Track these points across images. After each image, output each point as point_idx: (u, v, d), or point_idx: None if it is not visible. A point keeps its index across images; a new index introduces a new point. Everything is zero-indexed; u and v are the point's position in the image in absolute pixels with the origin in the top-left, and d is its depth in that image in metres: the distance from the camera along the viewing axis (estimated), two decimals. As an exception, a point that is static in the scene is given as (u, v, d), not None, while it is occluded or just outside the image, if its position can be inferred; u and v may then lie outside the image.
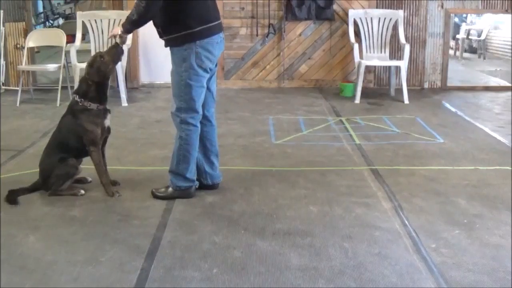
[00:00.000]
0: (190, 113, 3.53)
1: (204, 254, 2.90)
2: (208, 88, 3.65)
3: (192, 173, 3.65)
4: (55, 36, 7.22)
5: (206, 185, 3.80)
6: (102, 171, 3.77)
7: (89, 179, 3.99)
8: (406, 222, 3.31)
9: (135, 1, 3.37)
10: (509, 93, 7.53)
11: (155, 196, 3.69)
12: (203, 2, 3.46)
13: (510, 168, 4.28)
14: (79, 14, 7.40)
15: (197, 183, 3.73)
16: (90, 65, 3.69)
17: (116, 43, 3.68)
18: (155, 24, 3.52)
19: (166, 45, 3.57)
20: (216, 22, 3.52)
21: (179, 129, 3.58)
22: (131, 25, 3.50)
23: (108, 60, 3.67)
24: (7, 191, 3.68)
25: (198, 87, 3.50)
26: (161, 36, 3.55)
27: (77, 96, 3.72)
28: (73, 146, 3.75)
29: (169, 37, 3.48)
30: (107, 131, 3.82)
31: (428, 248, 2.97)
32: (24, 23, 7.76)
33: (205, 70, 3.51)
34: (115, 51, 3.69)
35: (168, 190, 3.68)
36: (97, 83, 3.69)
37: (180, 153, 3.59)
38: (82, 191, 3.76)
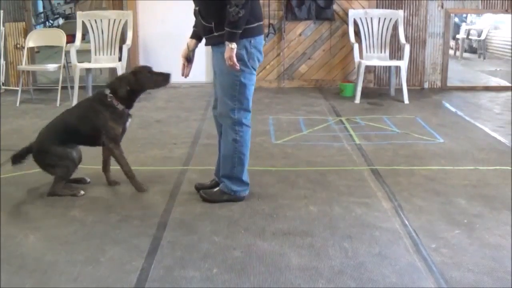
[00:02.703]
0: (244, 113, 3.46)
1: (204, 254, 2.90)
2: None
3: (246, 176, 3.60)
4: (55, 36, 7.23)
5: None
6: (125, 163, 3.79)
7: (88, 180, 3.99)
8: (406, 222, 3.31)
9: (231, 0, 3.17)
10: (509, 93, 7.53)
11: (204, 200, 3.60)
12: (258, 1, 3.42)
13: (510, 168, 4.28)
14: (79, 14, 7.40)
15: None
16: (134, 73, 3.74)
17: (169, 74, 3.72)
18: (205, 20, 3.39)
19: (211, 44, 3.45)
20: (262, 23, 3.47)
21: (232, 131, 3.46)
22: (241, 22, 3.22)
23: (153, 79, 3.73)
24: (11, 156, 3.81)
25: (251, 85, 3.45)
26: (208, 33, 3.40)
27: (109, 91, 3.73)
28: (82, 134, 3.76)
29: (223, 32, 3.29)
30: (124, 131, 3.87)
31: (428, 248, 2.97)
32: (24, 23, 7.76)
33: (255, 69, 3.47)
34: (163, 79, 3.75)
35: (220, 193, 3.60)
36: (130, 91, 3.72)
37: (235, 156, 3.50)
38: (82, 192, 3.76)
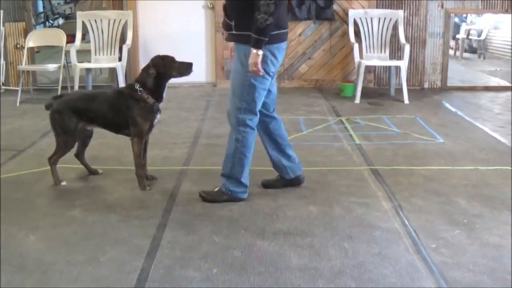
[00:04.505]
0: (249, 115, 3.46)
1: (204, 254, 2.90)
2: (269, 90, 3.59)
3: (246, 178, 3.59)
4: (55, 36, 7.23)
5: (289, 180, 3.80)
6: (139, 163, 3.82)
7: (100, 171, 4.11)
8: (406, 222, 3.31)
9: (261, 3, 3.17)
10: (509, 93, 7.52)
11: (204, 199, 3.61)
12: (283, 8, 3.44)
13: (510, 168, 4.28)
14: (79, 14, 7.40)
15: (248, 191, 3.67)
16: (161, 57, 3.76)
17: (191, 63, 3.77)
18: (228, 16, 3.43)
19: (231, 40, 3.49)
20: (286, 30, 3.51)
21: (235, 131, 3.49)
22: (268, 30, 3.24)
23: (176, 66, 3.76)
24: None
25: (261, 89, 3.45)
26: (228, 29, 3.44)
27: (138, 85, 3.75)
28: (108, 120, 3.82)
29: (241, 33, 3.34)
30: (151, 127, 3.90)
31: (428, 248, 2.97)
32: (24, 23, 7.76)
33: (268, 74, 3.45)
34: (186, 67, 3.78)
35: (219, 193, 3.62)
36: (156, 79, 3.73)
37: (235, 156, 3.52)
38: (64, 182, 3.87)
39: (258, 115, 3.53)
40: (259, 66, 3.30)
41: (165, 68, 3.74)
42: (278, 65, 3.54)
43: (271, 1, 3.17)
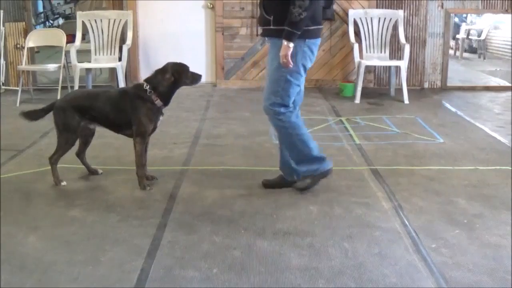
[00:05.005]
0: (283, 108, 3.56)
1: (204, 254, 2.90)
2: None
3: (317, 150, 3.68)
4: (55, 36, 7.23)
5: (290, 183, 3.81)
6: (140, 163, 3.83)
7: (100, 171, 4.12)
8: (406, 222, 3.31)
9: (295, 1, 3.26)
10: (509, 93, 7.53)
11: (298, 189, 3.71)
12: (319, 4, 3.49)
13: (510, 168, 4.28)
14: (79, 14, 7.40)
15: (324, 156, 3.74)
16: (179, 65, 3.80)
17: (201, 75, 3.87)
18: (265, 11, 3.48)
19: (267, 35, 3.54)
20: (322, 26, 3.59)
21: (276, 121, 3.59)
22: (301, 24, 3.31)
23: (188, 75, 3.80)
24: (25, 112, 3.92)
25: (296, 85, 3.53)
26: (266, 24, 3.49)
27: (149, 86, 3.75)
28: (110, 120, 3.82)
29: (280, 27, 3.38)
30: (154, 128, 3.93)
31: (428, 248, 2.97)
32: (24, 23, 7.76)
33: (305, 70, 3.53)
34: (197, 78, 3.84)
35: (306, 180, 3.71)
36: (170, 84, 3.76)
37: (295, 140, 3.60)
38: (64, 183, 3.87)
39: (292, 107, 3.59)
40: (289, 58, 3.37)
41: (181, 75, 3.78)
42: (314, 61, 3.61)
43: None
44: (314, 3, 3.36)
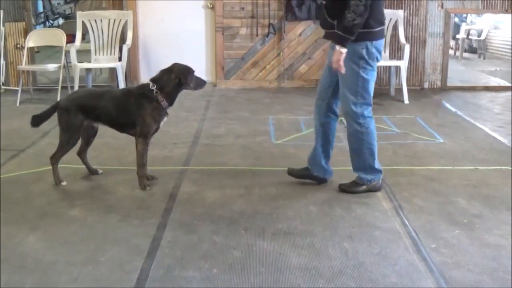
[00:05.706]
0: (366, 107, 3.60)
1: (204, 254, 2.90)
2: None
3: (378, 164, 3.75)
4: (55, 36, 7.22)
5: (315, 176, 3.90)
6: (141, 163, 3.84)
7: (100, 171, 4.12)
8: (406, 222, 3.31)
9: (351, 3, 3.28)
10: (509, 93, 7.52)
11: (343, 190, 3.77)
12: (383, 4, 3.56)
13: (510, 168, 4.28)
14: (79, 14, 7.40)
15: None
16: (186, 67, 3.81)
17: (206, 82, 3.90)
18: (329, 15, 3.51)
19: (331, 38, 3.56)
20: (385, 26, 3.65)
21: (356, 125, 3.63)
22: (354, 29, 3.35)
23: (195, 79, 3.81)
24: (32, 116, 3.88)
25: (372, 81, 3.59)
26: (330, 28, 3.52)
27: (155, 86, 3.75)
28: (114, 119, 3.82)
29: None
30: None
31: (428, 248, 2.97)
32: (24, 23, 7.76)
33: (374, 67, 3.58)
34: (201, 83, 3.87)
35: (360, 188, 3.75)
36: (175, 85, 3.77)
37: (364, 147, 3.66)
38: (64, 182, 3.87)
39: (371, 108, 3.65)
40: (341, 63, 3.41)
41: (186, 78, 3.78)
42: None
43: (361, 2, 3.28)
44: (374, 5, 3.37)
